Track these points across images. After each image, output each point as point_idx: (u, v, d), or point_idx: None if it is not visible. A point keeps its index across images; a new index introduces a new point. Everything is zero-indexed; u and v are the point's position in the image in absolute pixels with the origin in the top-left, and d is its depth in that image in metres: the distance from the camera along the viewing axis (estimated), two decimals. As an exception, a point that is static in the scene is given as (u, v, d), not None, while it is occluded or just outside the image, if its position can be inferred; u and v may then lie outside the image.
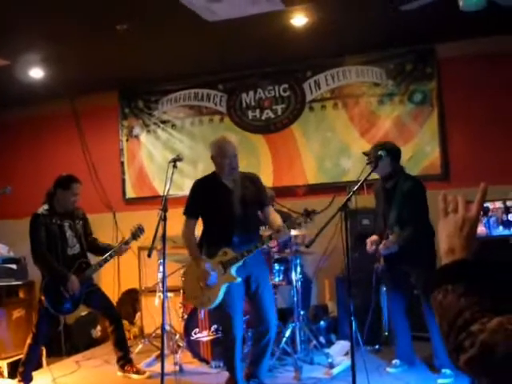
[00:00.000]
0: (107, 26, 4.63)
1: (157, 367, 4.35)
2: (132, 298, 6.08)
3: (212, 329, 4.43)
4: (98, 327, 5.56)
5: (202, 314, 4.43)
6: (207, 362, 4.47)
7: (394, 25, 4.88)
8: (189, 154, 6.20)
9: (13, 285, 5.07)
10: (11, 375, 4.41)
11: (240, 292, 3.67)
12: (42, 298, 4.12)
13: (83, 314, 5.38)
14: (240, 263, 3.60)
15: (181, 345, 4.69)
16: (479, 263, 1.08)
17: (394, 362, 4.19)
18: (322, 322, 5.06)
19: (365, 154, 4.03)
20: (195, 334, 4.46)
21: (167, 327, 4.61)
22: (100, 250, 4.40)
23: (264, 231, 4.19)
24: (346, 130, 5.83)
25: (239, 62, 5.89)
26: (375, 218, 4.36)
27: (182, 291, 4.77)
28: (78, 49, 5.16)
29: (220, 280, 3.59)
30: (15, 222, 6.12)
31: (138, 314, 5.84)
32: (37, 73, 5.76)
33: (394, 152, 4.00)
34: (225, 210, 3.65)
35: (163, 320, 3.34)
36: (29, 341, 4.18)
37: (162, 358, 3.29)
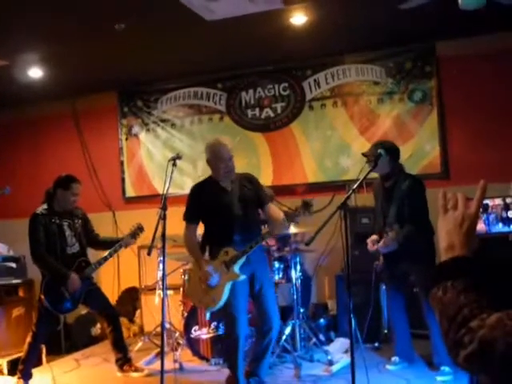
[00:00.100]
0: (106, 25, 4.62)
1: (157, 365, 4.36)
2: (132, 297, 6.09)
3: (212, 326, 4.43)
4: (98, 325, 5.57)
5: (207, 315, 4.38)
6: (207, 360, 4.48)
7: (393, 23, 4.88)
8: (188, 153, 6.20)
9: (12, 283, 5.10)
10: (11, 373, 4.42)
11: (244, 292, 3.67)
12: (42, 297, 4.12)
13: (83, 312, 5.39)
14: (243, 260, 3.60)
15: (181, 342, 4.70)
16: (479, 260, 1.08)
17: (393, 359, 4.20)
18: (321, 320, 5.07)
19: (364, 155, 4.03)
20: (195, 331, 4.46)
21: (167, 325, 4.62)
22: (102, 244, 4.43)
23: (264, 229, 4.20)
24: (346, 128, 5.83)
25: (239, 61, 5.88)
26: (375, 216, 4.36)
27: (181, 289, 4.78)
28: (76, 48, 5.15)
29: (223, 279, 3.59)
30: (15, 221, 6.11)
31: (138, 312, 5.85)
32: (35, 72, 5.75)
33: (392, 151, 4.01)
34: (225, 212, 3.65)
35: (163, 318, 3.34)
36: (28, 339, 4.19)
37: (161, 355, 3.30)
